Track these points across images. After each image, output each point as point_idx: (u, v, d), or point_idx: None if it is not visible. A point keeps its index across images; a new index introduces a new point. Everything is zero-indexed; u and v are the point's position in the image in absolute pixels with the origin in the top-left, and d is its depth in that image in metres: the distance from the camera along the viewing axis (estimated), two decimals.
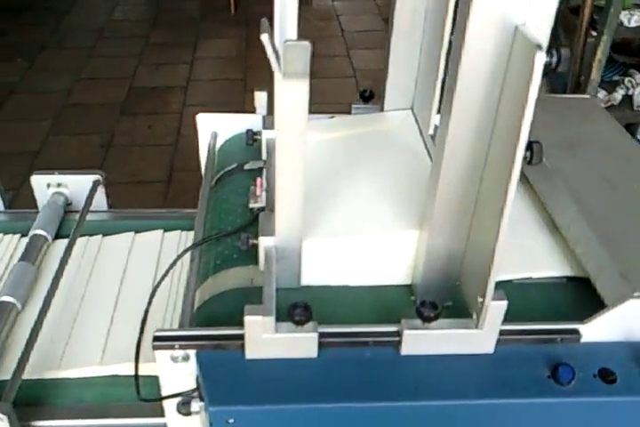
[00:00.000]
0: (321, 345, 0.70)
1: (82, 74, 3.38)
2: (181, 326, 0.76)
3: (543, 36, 0.57)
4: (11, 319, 0.93)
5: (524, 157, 0.72)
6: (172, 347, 0.70)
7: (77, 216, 1.10)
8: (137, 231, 1.11)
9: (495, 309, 0.68)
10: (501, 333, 0.72)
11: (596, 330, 0.73)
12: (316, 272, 0.79)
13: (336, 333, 0.71)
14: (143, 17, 4.07)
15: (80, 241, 1.07)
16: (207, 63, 3.48)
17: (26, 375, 0.84)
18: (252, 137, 0.96)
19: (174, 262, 0.85)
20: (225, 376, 0.70)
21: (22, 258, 1.00)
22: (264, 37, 0.60)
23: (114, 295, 0.98)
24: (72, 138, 2.96)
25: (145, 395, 0.74)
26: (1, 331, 0.89)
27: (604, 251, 0.76)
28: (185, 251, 0.86)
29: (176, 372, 0.72)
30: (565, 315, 0.77)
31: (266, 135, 0.95)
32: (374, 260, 0.78)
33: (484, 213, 0.68)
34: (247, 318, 0.67)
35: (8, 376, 0.81)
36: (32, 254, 1.01)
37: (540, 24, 0.57)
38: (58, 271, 0.97)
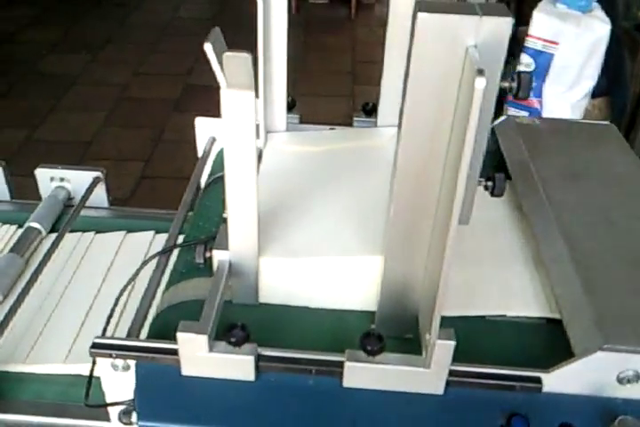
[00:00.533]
0: (260, 368, 0.67)
1: (140, 69, 3.47)
2: (129, 335, 0.74)
3: (497, 60, 0.52)
4: None
5: (486, 188, 0.67)
6: (109, 355, 0.68)
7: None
8: (130, 231, 1.10)
9: (442, 348, 0.63)
10: (454, 373, 0.67)
11: (560, 381, 0.67)
12: (275, 291, 0.76)
13: (276, 357, 0.67)
14: (206, 16, 4.14)
15: (72, 236, 1.08)
16: None
17: None
18: None
19: (140, 268, 0.84)
20: (159, 391, 0.68)
21: (12, 249, 1.01)
22: (207, 47, 0.57)
23: (92, 295, 0.98)
24: (124, 130, 3.04)
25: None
26: None
27: (582, 295, 0.70)
28: (151, 257, 0.85)
29: (117, 380, 0.71)
30: (533, 360, 0.71)
31: (259, 144, 0.93)
32: (334, 283, 0.75)
33: (436, 243, 0.64)
34: (180, 335, 0.65)
35: None
36: (22, 246, 1.03)
37: (496, 47, 0.52)
38: (40, 265, 0.97)
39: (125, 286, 0.83)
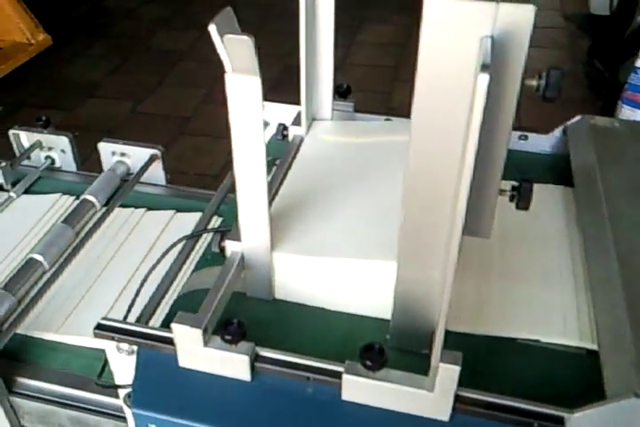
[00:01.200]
0: (256, 369, 0.64)
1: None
2: (138, 320, 0.73)
3: (518, 53, 0.45)
4: (35, 277, 0.96)
5: (511, 199, 0.59)
6: (112, 338, 0.68)
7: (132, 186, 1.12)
8: (182, 210, 1.10)
9: (445, 372, 0.57)
10: (463, 400, 0.60)
11: (585, 424, 0.59)
12: (289, 288, 0.72)
13: (273, 359, 0.64)
14: None
15: (124, 212, 1.09)
16: (365, 48, 3.44)
17: (21, 330, 0.87)
18: (282, 132, 0.91)
19: (166, 252, 0.83)
20: (156, 380, 0.67)
21: (64, 220, 1.04)
22: (211, 28, 0.54)
23: (131, 272, 0.98)
24: (222, 107, 3.09)
25: None
26: (23, 287, 0.94)
27: (627, 329, 0.61)
28: (177, 241, 0.84)
29: (123, 363, 0.70)
30: (562, 395, 0.63)
31: (292, 131, 0.89)
32: (349, 286, 0.70)
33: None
34: (174, 326, 0.63)
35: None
36: (75, 218, 1.05)
37: (516, 38, 0.45)
38: (86, 237, 0.99)
39: (152, 269, 0.82)
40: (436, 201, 0.55)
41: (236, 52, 0.55)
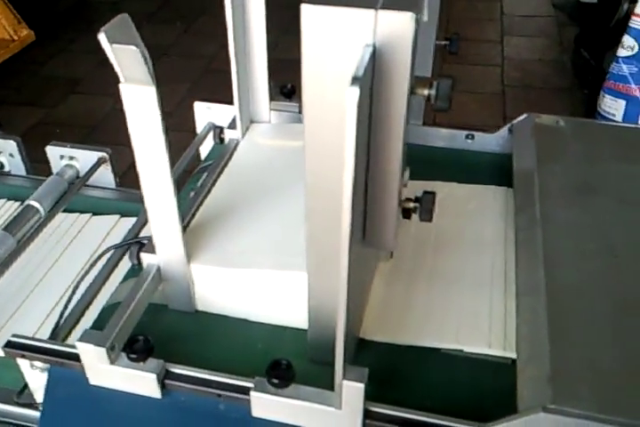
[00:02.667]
0: (167, 386, 0.62)
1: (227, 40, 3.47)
2: (52, 336, 0.71)
3: (402, 62, 0.43)
4: None
5: (414, 211, 0.57)
6: (22, 356, 0.66)
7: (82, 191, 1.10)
8: (128, 215, 1.08)
9: (350, 390, 0.55)
10: (374, 416, 0.58)
11: None
12: (210, 299, 0.71)
13: (183, 376, 0.62)
14: None
15: (69, 217, 1.07)
16: None
17: None
18: (219, 135, 0.88)
19: (95, 261, 0.81)
20: (67, 398, 0.65)
21: (5, 228, 1.02)
22: (101, 37, 0.52)
23: (71, 279, 0.96)
24: None
25: None
26: None
27: (545, 339, 0.59)
28: (107, 250, 0.81)
29: (38, 380, 0.69)
30: (483, 408, 0.61)
31: (228, 135, 0.86)
32: (269, 297, 0.68)
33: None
34: (79, 345, 0.61)
35: None
36: (16, 225, 1.02)
37: (399, 47, 0.42)
38: (26, 244, 0.97)
39: (80, 280, 0.80)
40: (333, 212, 0.53)
41: (125, 62, 0.53)
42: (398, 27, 0.44)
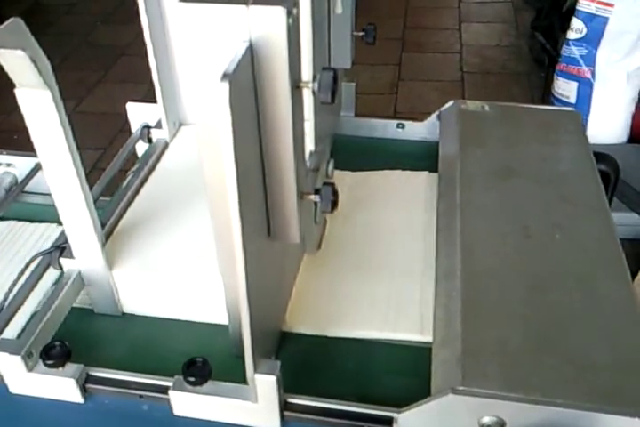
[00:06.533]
0: (88, 390, 0.62)
1: None
2: None
3: (279, 56, 0.43)
4: None
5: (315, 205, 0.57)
6: None
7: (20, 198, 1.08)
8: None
9: (263, 383, 0.55)
10: (293, 408, 0.59)
11: (414, 423, 0.57)
12: (134, 302, 0.70)
13: (103, 379, 0.62)
14: None
15: (5, 225, 1.06)
16: None
17: None
18: (146, 135, 0.88)
19: (23, 270, 0.80)
20: None
21: None
22: None
23: (2, 290, 0.95)
24: None
25: None
26: None
27: (458, 321, 0.60)
28: (34, 257, 0.81)
29: None
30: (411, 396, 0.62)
31: (155, 135, 0.86)
32: (193, 298, 0.68)
33: None
34: None
35: None
36: None
37: (274, 41, 0.43)
38: None
39: (11, 288, 0.80)
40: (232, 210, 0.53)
41: (14, 67, 0.53)
42: (270, 21, 0.44)
